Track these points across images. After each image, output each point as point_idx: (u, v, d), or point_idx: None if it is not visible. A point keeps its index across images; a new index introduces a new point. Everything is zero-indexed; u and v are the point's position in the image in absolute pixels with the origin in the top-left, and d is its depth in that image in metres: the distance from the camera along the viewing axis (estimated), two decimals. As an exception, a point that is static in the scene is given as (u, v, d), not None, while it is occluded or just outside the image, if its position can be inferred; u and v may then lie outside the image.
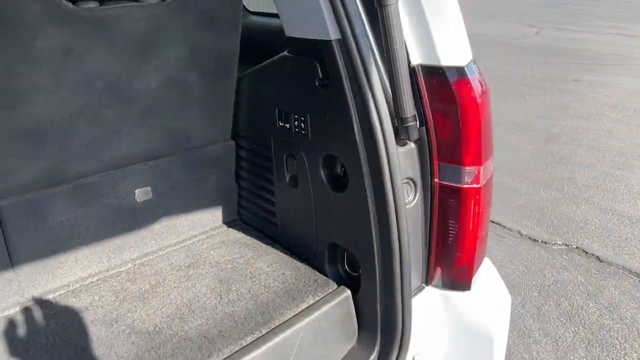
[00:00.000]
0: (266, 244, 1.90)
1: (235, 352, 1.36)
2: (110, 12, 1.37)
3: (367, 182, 1.44)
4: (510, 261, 3.37)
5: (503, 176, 4.54)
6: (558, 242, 3.57)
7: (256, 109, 1.85)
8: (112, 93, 1.50)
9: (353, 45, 1.34)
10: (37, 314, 1.51)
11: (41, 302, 1.55)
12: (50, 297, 1.58)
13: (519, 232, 3.70)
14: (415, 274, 1.55)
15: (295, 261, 1.77)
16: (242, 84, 1.84)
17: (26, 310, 1.52)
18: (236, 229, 2.02)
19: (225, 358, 1.34)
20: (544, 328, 2.77)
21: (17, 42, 1.25)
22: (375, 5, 1.28)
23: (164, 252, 1.84)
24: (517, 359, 2.60)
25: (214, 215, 2.00)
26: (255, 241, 1.92)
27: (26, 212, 1.49)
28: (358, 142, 1.41)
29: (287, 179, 1.77)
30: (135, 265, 1.77)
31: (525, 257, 3.41)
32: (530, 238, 3.63)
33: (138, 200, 1.74)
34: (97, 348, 1.37)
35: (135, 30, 1.45)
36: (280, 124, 1.70)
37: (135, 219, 1.76)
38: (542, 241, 3.58)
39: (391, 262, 1.47)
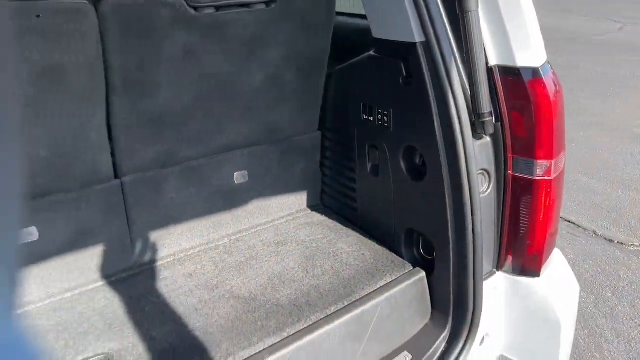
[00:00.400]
0: (346, 226, 2.07)
1: (320, 319, 1.54)
2: (225, 17, 1.58)
3: (445, 172, 1.57)
4: (583, 260, 3.36)
5: (580, 175, 4.47)
6: (635, 243, 3.51)
7: (342, 103, 2.01)
8: (221, 88, 1.72)
9: (436, 47, 1.47)
10: (150, 278, 1.75)
11: (153, 268, 1.80)
12: (159, 264, 1.82)
13: (594, 232, 3.66)
14: (487, 259, 1.67)
15: (373, 243, 1.93)
16: (330, 80, 2.01)
17: (140, 274, 1.77)
18: (319, 212, 2.20)
19: (312, 324, 1.52)
20: (616, 329, 2.77)
21: (150, 43, 1.49)
22: (457, 12, 1.41)
23: (255, 230, 2.06)
24: (588, 358, 2.62)
25: (299, 199, 2.20)
26: (337, 224, 2.10)
27: (145, 188, 1.73)
28: (437, 135, 1.54)
29: (369, 168, 1.93)
30: (230, 240, 1.99)
31: (599, 257, 3.38)
32: (605, 238, 3.59)
33: (236, 183, 1.96)
34: (202, 309, 1.59)
35: (244, 33, 1.65)
36: (365, 117, 1.86)
37: (233, 199, 1.98)
38: (618, 242, 3.53)
39: (465, 248, 1.59)
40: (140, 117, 1.60)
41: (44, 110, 1.40)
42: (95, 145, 1.55)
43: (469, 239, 1.58)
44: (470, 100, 1.50)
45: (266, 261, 1.84)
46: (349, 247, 1.92)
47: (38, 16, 1.26)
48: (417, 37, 1.51)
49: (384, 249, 1.89)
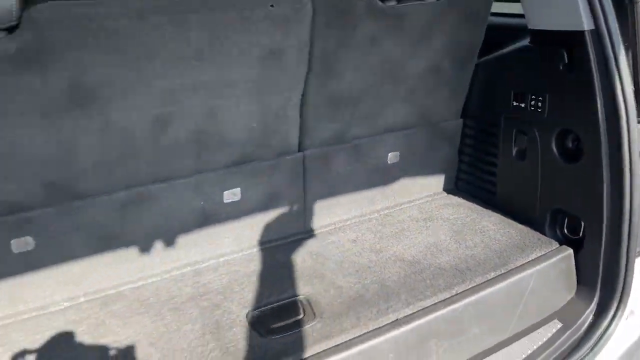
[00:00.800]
0: (485, 208, 2.22)
1: (482, 282, 1.70)
2: (404, 9, 1.77)
3: (604, 154, 1.69)
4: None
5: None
6: None
7: (489, 92, 2.17)
8: (390, 74, 1.92)
9: (605, 36, 1.60)
10: (321, 240, 1.97)
11: (322, 233, 2.03)
12: (326, 230, 2.05)
13: None
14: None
15: (515, 223, 2.06)
16: (477, 70, 2.17)
17: (313, 237, 1.99)
18: (455, 195, 2.36)
19: (476, 285, 1.68)
20: None
21: (346, 31, 1.70)
22: (626, 2, 1.54)
23: (400, 207, 2.25)
24: None
25: (438, 182, 2.37)
26: (475, 205, 2.25)
27: (319, 162, 1.96)
28: (600, 118, 1.67)
29: (514, 152, 2.07)
30: (380, 215, 2.19)
31: None
32: None
33: (389, 162, 2.16)
34: (373, 267, 1.79)
35: (416, 23, 1.84)
36: (515, 103, 2.00)
37: (385, 177, 2.18)
38: None
39: (619, 227, 1.70)
40: (325, 98, 1.83)
41: (263, 88, 1.65)
42: (290, 120, 1.80)
43: (624, 220, 1.69)
44: (633, 85, 1.62)
45: (418, 233, 2.02)
46: (493, 225, 2.07)
47: (272, 6, 1.51)
48: (586, 26, 1.64)
49: (527, 228, 2.02)
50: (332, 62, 1.74)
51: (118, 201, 1.58)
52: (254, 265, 1.80)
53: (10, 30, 1.17)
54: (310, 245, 1.94)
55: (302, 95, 1.78)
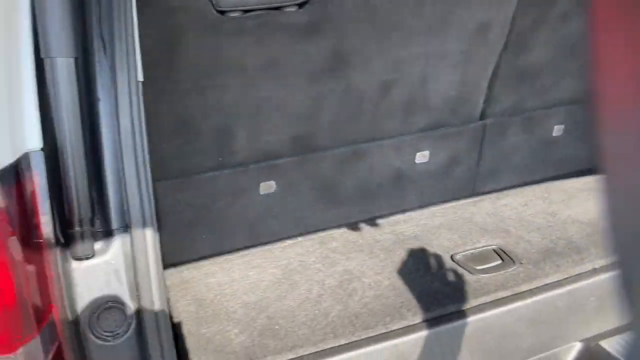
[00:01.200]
0: None
1: None
2: None
3: None
4: None
5: None
6: None
7: None
8: (569, 50, 2.02)
9: None
10: (492, 204, 2.12)
11: (491, 197, 2.17)
12: (494, 195, 2.19)
13: None
14: None
15: None
16: None
17: (483, 200, 2.15)
18: None
19: None
20: None
21: (544, 7, 1.81)
22: None
23: (561, 179, 2.36)
24: None
25: (591, 157, 2.45)
26: None
27: (495, 132, 2.11)
28: None
29: None
30: (543, 184, 2.31)
31: None
32: None
33: (553, 135, 2.27)
34: (554, 226, 1.91)
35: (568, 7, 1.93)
36: None
37: (548, 149, 2.27)
38: None
39: None
40: (514, 71, 1.97)
41: (467, 60, 1.82)
42: (480, 90, 1.96)
43: None
44: None
45: (586, 201, 2.12)
46: None
47: None
48: None
49: None
50: (526, 37, 1.89)
51: (339, 156, 1.81)
52: (439, 220, 1.99)
53: (301, 5, 1.42)
54: (485, 207, 2.10)
55: (495, 67, 1.93)
